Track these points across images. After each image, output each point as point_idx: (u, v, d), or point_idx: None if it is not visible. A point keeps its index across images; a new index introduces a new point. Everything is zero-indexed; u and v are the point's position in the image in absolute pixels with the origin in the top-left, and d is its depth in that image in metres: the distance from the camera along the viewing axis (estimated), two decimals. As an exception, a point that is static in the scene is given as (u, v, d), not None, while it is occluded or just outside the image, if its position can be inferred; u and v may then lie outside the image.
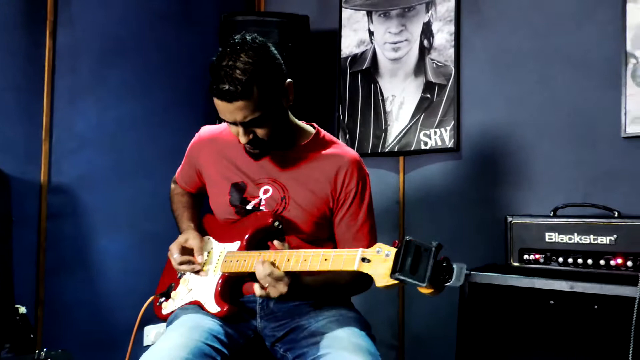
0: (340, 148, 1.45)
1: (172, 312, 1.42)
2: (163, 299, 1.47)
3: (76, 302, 2.24)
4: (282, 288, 1.18)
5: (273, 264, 1.19)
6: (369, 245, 1.36)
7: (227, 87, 1.21)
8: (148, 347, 2.46)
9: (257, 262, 1.20)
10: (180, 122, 2.63)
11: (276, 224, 1.34)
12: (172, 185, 1.68)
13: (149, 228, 2.47)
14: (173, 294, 1.46)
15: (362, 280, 1.39)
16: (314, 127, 1.48)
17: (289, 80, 1.34)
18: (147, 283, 2.40)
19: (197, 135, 1.56)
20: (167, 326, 1.38)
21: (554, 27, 2.12)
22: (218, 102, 1.25)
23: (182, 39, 2.67)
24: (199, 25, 2.75)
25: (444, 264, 0.96)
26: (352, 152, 1.45)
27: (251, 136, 1.30)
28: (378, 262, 1.04)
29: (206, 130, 1.56)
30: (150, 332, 2.45)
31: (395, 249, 1.02)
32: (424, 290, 0.97)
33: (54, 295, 2.18)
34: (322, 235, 1.43)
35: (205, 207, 1.64)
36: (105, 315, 2.32)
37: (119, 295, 2.36)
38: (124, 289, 2.37)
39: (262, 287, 1.20)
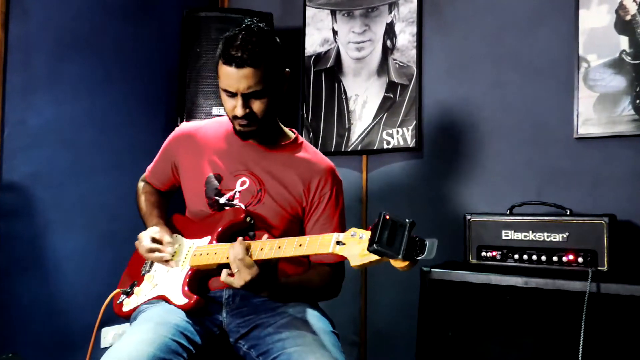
0: (317, 155, 1.52)
1: (135, 308, 1.40)
2: (124, 296, 1.45)
3: (29, 304, 2.16)
4: (245, 276, 1.19)
5: (247, 249, 1.21)
6: None
7: (239, 53, 1.29)
8: (105, 349, 2.40)
9: (233, 244, 1.22)
10: (139, 120, 2.58)
11: (248, 219, 1.37)
12: (141, 184, 1.66)
13: (106, 227, 2.41)
14: (136, 290, 1.44)
15: (331, 286, 1.45)
16: (294, 132, 1.54)
17: (287, 69, 1.43)
18: (105, 283, 2.33)
19: (176, 129, 1.58)
20: (131, 322, 1.36)
21: (510, 31, 2.19)
22: (226, 69, 1.31)
23: (141, 35, 2.61)
24: (160, 21, 2.69)
25: (417, 239, 1.01)
26: (328, 161, 1.52)
27: (248, 110, 1.34)
28: (353, 244, 1.08)
29: (185, 125, 1.59)
30: (108, 334, 2.39)
31: (369, 232, 1.05)
32: (398, 263, 1.01)
33: (6, 297, 2.09)
34: (293, 233, 1.45)
35: (173, 208, 1.63)
36: (61, 317, 2.25)
37: (75, 296, 2.29)
38: (80, 290, 2.31)
39: (229, 274, 1.22)
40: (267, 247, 1.20)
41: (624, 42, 1.95)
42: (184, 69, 2.45)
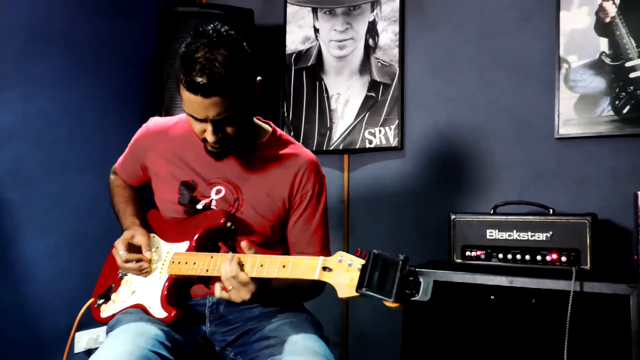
0: (298, 148, 1.42)
1: (113, 315, 1.34)
2: (102, 300, 1.38)
3: (-1, 308, 2.07)
4: (244, 294, 1.13)
5: (241, 265, 1.14)
6: (322, 251, 1.35)
7: (204, 80, 1.13)
8: (79, 354, 2.31)
9: (224, 260, 1.14)
10: (114, 118, 2.50)
11: (228, 224, 1.29)
12: (112, 177, 1.58)
13: (79, 228, 2.34)
14: (113, 295, 1.38)
15: (318, 287, 1.38)
16: (271, 126, 1.44)
17: (259, 77, 1.30)
18: (78, 286, 2.26)
19: (144, 127, 1.46)
20: (107, 332, 1.29)
21: (493, 31, 2.19)
22: (190, 97, 1.16)
23: (117, 29, 2.53)
24: (136, 15, 2.62)
25: (411, 278, 0.95)
26: (310, 154, 1.42)
27: (220, 135, 1.22)
28: (340, 272, 1.02)
29: (155, 122, 1.47)
30: (82, 339, 2.31)
31: (358, 258, 1.00)
32: (390, 304, 0.95)
33: (-27, 302, 2.01)
34: (274, 237, 1.39)
35: (149, 202, 1.56)
36: (32, 321, 2.16)
37: (47, 300, 2.21)
38: (52, 293, 2.22)
39: (223, 288, 1.15)
40: (249, 264, 1.14)
41: (603, 43, 1.97)
42: (162, 66, 2.38)
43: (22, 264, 2.15)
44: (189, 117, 1.24)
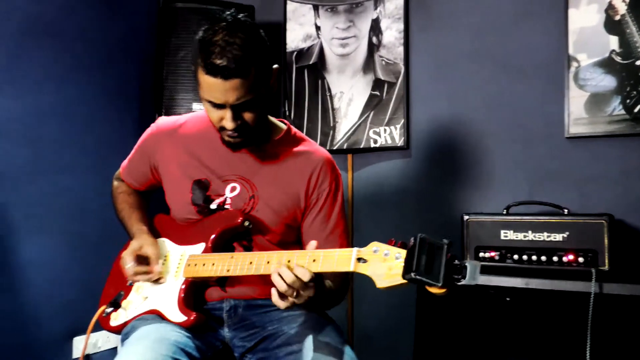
0: (313, 146, 1.39)
1: (124, 323, 1.28)
2: (111, 308, 1.32)
3: (-7, 315, 1.98)
4: (309, 292, 1.06)
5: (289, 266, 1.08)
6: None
7: (224, 63, 1.12)
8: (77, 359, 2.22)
9: (275, 269, 1.07)
10: (111, 115, 2.42)
11: (246, 223, 1.25)
12: (116, 183, 1.52)
13: (76, 230, 2.25)
14: (124, 303, 1.32)
15: (344, 290, 1.33)
16: (285, 124, 1.41)
17: (276, 65, 1.27)
18: (76, 290, 2.18)
19: (153, 126, 1.42)
20: (122, 339, 1.24)
21: (500, 29, 2.17)
22: (210, 80, 1.14)
23: (114, 24, 2.44)
24: (134, 11, 2.54)
25: (456, 262, 0.92)
26: (325, 152, 1.40)
27: (239, 122, 1.19)
28: (377, 262, 0.98)
29: (164, 121, 1.42)
30: (81, 344, 2.23)
31: (394, 248, 0.97)
32: (436, 290, 0.92)
33: (-34, 308, 1.91)
34: (290, 237, 1.34)
35: (156, 206, 1.50)
36: (28, 328, 2.07)
37: (43, 305, 2.12)
38: (49, 298, 2.14)
39: (282, 296, 1.09)
40: (275, 261, 1.09)
41: (613, 41, 1.96)
42: (161, 62, 2.32)
43: (15, 269, 2.06)
44: (205, 105, 1.21)
